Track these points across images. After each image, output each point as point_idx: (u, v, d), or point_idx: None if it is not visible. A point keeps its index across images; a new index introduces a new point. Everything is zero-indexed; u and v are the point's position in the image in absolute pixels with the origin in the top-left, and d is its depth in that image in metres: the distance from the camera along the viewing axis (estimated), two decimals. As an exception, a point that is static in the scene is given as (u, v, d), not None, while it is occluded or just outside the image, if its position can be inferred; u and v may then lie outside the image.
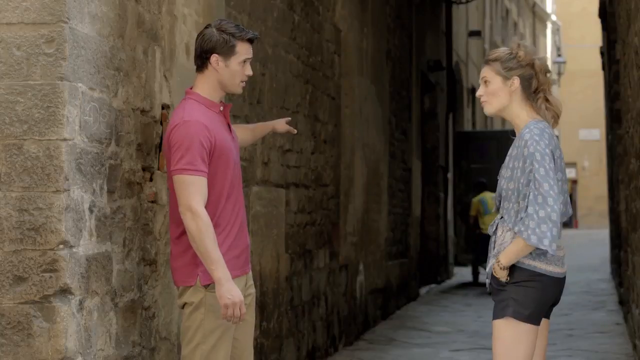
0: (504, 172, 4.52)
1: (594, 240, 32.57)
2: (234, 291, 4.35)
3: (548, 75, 4.60)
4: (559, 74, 42.05)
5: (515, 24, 35.14)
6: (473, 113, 24.92)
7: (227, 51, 4.54)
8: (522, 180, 4.41)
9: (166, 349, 5.17)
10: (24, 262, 4.11)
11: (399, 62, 13.86)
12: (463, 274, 19.66)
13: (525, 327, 4.45)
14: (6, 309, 4.10)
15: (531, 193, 4.36)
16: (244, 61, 4.59)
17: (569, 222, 40.56)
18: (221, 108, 4.62)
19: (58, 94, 4.11)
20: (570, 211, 4.57)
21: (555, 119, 4.60)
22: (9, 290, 4.11)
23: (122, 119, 4.67)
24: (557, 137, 4.63)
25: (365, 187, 11.27)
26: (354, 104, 10.62)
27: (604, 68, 18.27)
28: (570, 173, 45.81)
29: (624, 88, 10.61)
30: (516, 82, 4.56)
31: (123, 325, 4.67)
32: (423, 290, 16.04)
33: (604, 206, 37.24)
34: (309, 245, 8.66)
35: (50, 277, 4.09)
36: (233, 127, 4.77)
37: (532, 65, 4.56)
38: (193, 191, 4.37)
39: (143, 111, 4.91)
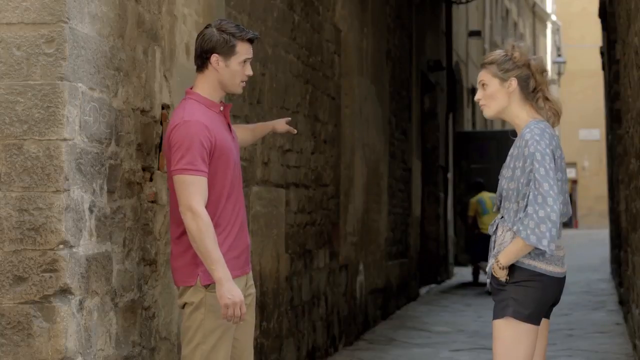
0: (505, 172, 4.53)
1: (594, 240, 32.56)
2: (234, 291, 4.35)
3: (545, 74, 4.61)
4: (559, 74, 42.05)
5: (515, 24, 35.14)
6: (473, 113, 24.92)
7: (228, 51, 4.54)
8: (522, 180, 4.42)
9: (166, 349, 5.17)
10: (24, 262, 4.11)
11: (399, 62, 13.86)
12: (463, 274, 19.66)
13: (526, 327, 4.45)
14: (6, 309, 4.10)
15: (531, 193, 4.36)
16: (244, 61, 4.59)
17: (569, 222, 40.55)
18: (221, 108, 4.62)
19: (58, 94, 4.11)
20: (570, 212, 4.58)
21: (556, 117, 4.60)
22: (9, 290, 4.11)
23: (122, 119, 4.67)
24: (558, 137, 4.63)
25: (365, 187, 11.27)
26: (354, 104, 10.62)
27: (604, 68, 18.28)
28: (570, 173, 45.81)
29: (624, 88, 10.61)
30: (514, 83, 4.56)
31: (123, 325, 4.67)
32: (423, 290, 16.04)
33: (604, 206, 37.23)
34: (309, 245, 8.66)
35: (50, 277, 4.09)
36: (233, 127, 4.77)
37: (528, 65, 4.57)
38: (193, 191, 4.37)
39: (143, 111, 4.91)
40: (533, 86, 4.58)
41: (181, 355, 4.57)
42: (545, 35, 45.83)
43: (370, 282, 11.54)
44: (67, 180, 4.13)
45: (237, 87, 4.64)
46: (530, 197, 4.36)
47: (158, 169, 5.06)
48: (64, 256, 4.10)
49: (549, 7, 47.47)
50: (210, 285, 4.44)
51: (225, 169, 4.52)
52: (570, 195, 44.20)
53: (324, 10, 9.24)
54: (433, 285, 17.15)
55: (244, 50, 4.57)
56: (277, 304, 7.58)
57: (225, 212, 4.53)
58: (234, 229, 4.56)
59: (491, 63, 4.60)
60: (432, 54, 17.36)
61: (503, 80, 4.57)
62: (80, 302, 4.22)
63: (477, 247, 16.57)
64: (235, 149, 4.66)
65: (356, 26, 10.79)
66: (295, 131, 5.32)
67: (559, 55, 43.90)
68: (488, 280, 4.58)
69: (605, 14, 15.02)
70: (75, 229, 4.17)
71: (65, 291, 4.11)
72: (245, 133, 5.08)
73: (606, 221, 28.27)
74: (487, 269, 4.58)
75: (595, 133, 46.71)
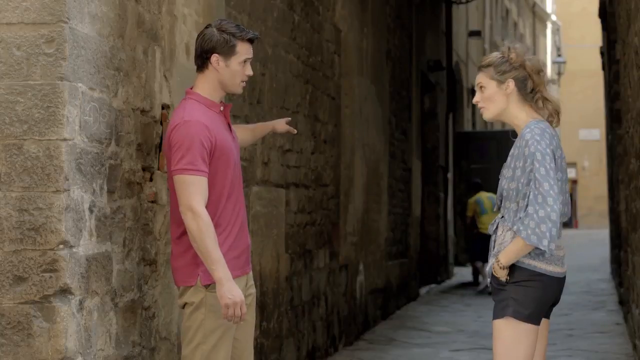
0: (506, 172, 4.53)
1: (594, 240, 32.56)
2: (234, 291, 4.35)
3: (541, 74, 4.61)
4: (559, 74, 42.05)
5: (515, 24, 35.14)
6: (473, 113, 24.91)
7: (228, 51, 4.54)
8: (522, 180, 4.42)
9: (166, 349, 5.17)
10: (24, 262, 4.11)
11: (399, 62, 13.86)
12: (463, 274, 19.66)
13: (526, 327, 4.45)
14: (6, 309, 4.10)
15: (531, 192, 4.36)
16: (245, 61, 4.59)
17: (569, 222, 40.56)
18: (221, 108, 4.62)
19: (58, 94, 4.11)
20: (569, 212, 4.58)
21: (556, 117, 4.60)
22: (9, 290, 4.11)
23: (122, 119, 4.67)
24: (558, 137, 4.64)
25: (365, 187, 11.27)
26: (354, 104, 10.62)
27: (604, 68, 18.28)
28: (570, 173, 45.80)
29: (624, 88, 10.61)
30: (511, 84, 4.57)
31: (123, 325, 4.67)
32: (423, 290, 16.04)
33: (604, 206, 37.23)
34: (309, 245, 8.66)
35: (50, 277, 4.09)
36: (233, 127, 4.77)
37: (524, 66, 4.57)
38: (194, 191, 4.37)
39: (143, 111, 4.91)
40: (531, 87, 4.59)
41: (181, 355, 4.57)
42: (545, 35, 45.84)
43: (370, 282, 11.54)
44: (67, 180, 4.13)
45: (237, 87, 4.64)
46: (531, 196, 4.36)
47: (158, 169, 5.06)
48: (64, 256, 4.10)
49: (549, 7, 47.47)
50: (210, 285, 4.44)
51: (226, 169, 4.52)
52: (571, 195, 44.12)
53: (324, 10, 9.24)
54: (433, 285, 17.15)
55: (244, 50, 4.57)
56: (277, 304, 7.58)
57: (226, 212, 4.53)
58: (234, 229, 4.56)
59: (488, 65, 4.61)
60: (432, 54, 17.36)
61: (500, 82, 4.58)
62: (80, 302, 4.22)
63: (476, 246, 16.59)
64: (236, 149, 4.66)
65: (356, 26, 10.79)
66: (295, 131, 5.33)
67: (559, 55, 43.90)
68: (488, 280, 4.58)
69: (605, 14, 15.03)
70: (75, 229, 4.17)
71: (65, 291, 4.11)
72: (245, 133, 5.09)
73: (606, 221, 28.28)
74: (487, 269, 4.59)
75: (595, 133, 46.71)
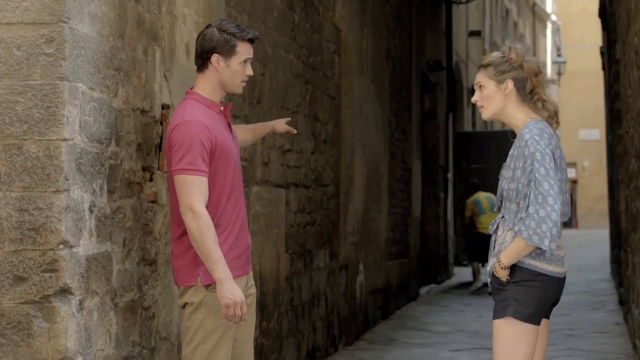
0: (505, 173, 4.53)
1: (594, 240, 32.56)
2: (235, 291, 4.35)
3: (540, 76, 4.61)
4: (559, 74, 42.03)
5: (515, 24, 35.14)
6: (473, 113, 24.91)
7: (228, 51, 4.54)
8: (522, 180, 4.42)
9: (166, 349, 5.17)
10: (24, 262, 4.11)
11: (399, 62, 13.86)
12: (463, 274, 19.66)
13: (526, 327, 4.45)
14: (6, 309, 4.10)
15: (532, 193, 4.37)
16: (245, 61, 4.59)
17: (569, 222, 40.55)
18: (222, 108, 4.62)
19: (58, 94, 4.11)
20: (569, 212, 4.58)
21: (553, 119, 4.60)
22: (9, 290, 4.11)
23: (122, 119, 4.67)
24: (558, 137, 4.64)
25: (365, 187, 11.27)
26: (354, 104, 10.62)
27: (604, 68, 18.28)
28: (570, 173, 45.80)
29: (624, 88, 10.61)
30: (510, 85, 4.57)
31: (123, 325, 4.67)
32: (423, 290, 16.04)
33: (604, 206, 37.23)
34: (309, 245, 8.66)
35: (50, 277, 4.09)
36: (233, 127, 4.77)
37: (523, 67, 4.57)
38: (194, 191, 4.37)
39: (143, 111, 4.91)
40: (530, 88, 4.59)
41: (182, 355, 4.57)
42: (545, 35, 45.84)
43: (370, 282, 11.54)
44: (67, 180, 4.13)
45: (238, 87, 4.64)
46: (531, 197, 4.36)
47: (158, 169, 5.06)
48: (64, 256, 4.10)
49: (549, 7, 47.47)
50: (210, 285, 4.44)
51: (226, 169, 4.53)
52: (571, 195, 44.12)
53: (324, 10, 9.24)
54: (433, 285, 17.15)
55: (244, 50, 4.57)
56: (277, 304, 7.58)
57: (226, 212, 4.53)
58: (235, 229, 4.56)
59: (488, 65, 4.62)
60: (432, 54, 17.36)
61: (499, 82, 4.58)
62: (80, 302, 4.22)
63: (476, 246, 16.59)
64: (236, 149, 4.66)
65: (356, 26, 10.79)
66: (295, 131, 5.33)
67: (559, 55, 43.88)
68: (489, 280, 4.58)
69: (605, 14, 15.02)
70: (75, 229, 4.17)
71: (65, 291, 4.11)
72: (245, 133, 5.09)
73: (606, 221, 28.27)
74: (488, 269, 4.59)
75: (595, 133, 46.71)
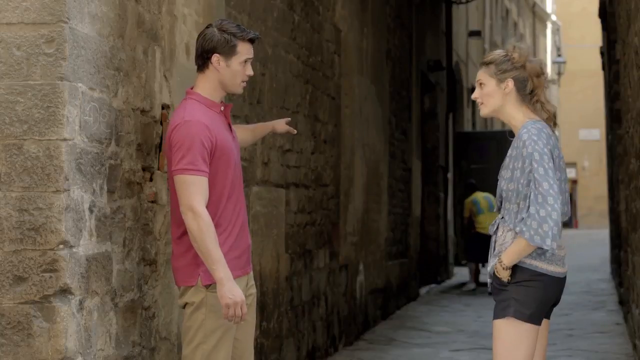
0: (504, 173, 4.53)
1: (594, 240, 32.56)
2: (235, 291, 4.35)
3: (541, 77, 4.61)
4: (559, 74, 42.04)
5: (515, 24, 35.14)
6: (473, 113, 24.91)
7: (228, 51, 4.54)
8: (522, 181, 4.42)
9: (166, 349, 5.17)
10: (24, 262, 4.11)
11: (399, 62, 13.86)
12: (463, 274, 19.65)
13: (526, 327, 4.45)
14: (6, 309, 4.10)
15: (532, 193, 4.36)
16: (245, 61, 4.59)
17: (569, 222, 40.55)
18: (222, 108, 4.62)
19: (58, 94, 4.11)
20: (569, 212, 4.58)
21: (552, 120, 4.60)
22: (9, 290, 4.11)
23: (122, 119, 4.67)
24: (556, 137, 4.64)
25: (365, 187, 11.27)
26: (354, 104, 10.62)
27: (604, 68, 18.27)
28: (570, 173, 45.79)
29: (624, 88, 10.61)
30: (510, 84, 4.57)
31: (123, 325, 4.67)
32: (423, 290, 16.04)
33: (604, 206, 37.23)
34: (309, 245, 8.66)
35: (50, 277, 4.09)
36: (233, 127, 4.77)
37: (525, 67, 4.57)
38: (194, 191, 4.37)
39: (143, 111, 4.91)
40: (530, 88, 4.59)
41: (182, 355, 4.57)
42: (545, 35, 45.83)
43: (370, 282, 11.54)
44: (67, 180, 4.13)
45: (238, 87, 4.64)
46: (532, 197, 4.36)
47: (158, 169, 5.06)
48: (64, 256, 4.10)
49: (549, 7, 47.46)
50: (211, 285, 4.44)
51: (226, 169, 4.53)
52: (570, 195, 44.18)
53: (324, 10, 9.24)
54: (433, 285, 17.15)
55: (244, 50, 4.58)
56: (277, 304, 7.58)
57: (226, 212, 4.53)
58: (235, 229, 4.56)
59: (490, 63, 4.61)
60: (432, 54, 17.36)
61: (500, 81, 4.58)
62: (80, 302, 4.22)
63: (475, 246, 16.59)
64: (236, 149, 4.66)
65: (356, 26, 10.79)
66: (295, 131, 5.33)
67: (559, 55, 43.89)
68: (489, 280, 4.58)
69: (605, 14, 15.02)
70: (75, 229, 4.17)
71: (65, 291, 4.11)
72: (245, 133, 5.09)
73: (606, 221, 28.28)
74: (488, 269, 4.59)
75: (595, 133, 46.71)
